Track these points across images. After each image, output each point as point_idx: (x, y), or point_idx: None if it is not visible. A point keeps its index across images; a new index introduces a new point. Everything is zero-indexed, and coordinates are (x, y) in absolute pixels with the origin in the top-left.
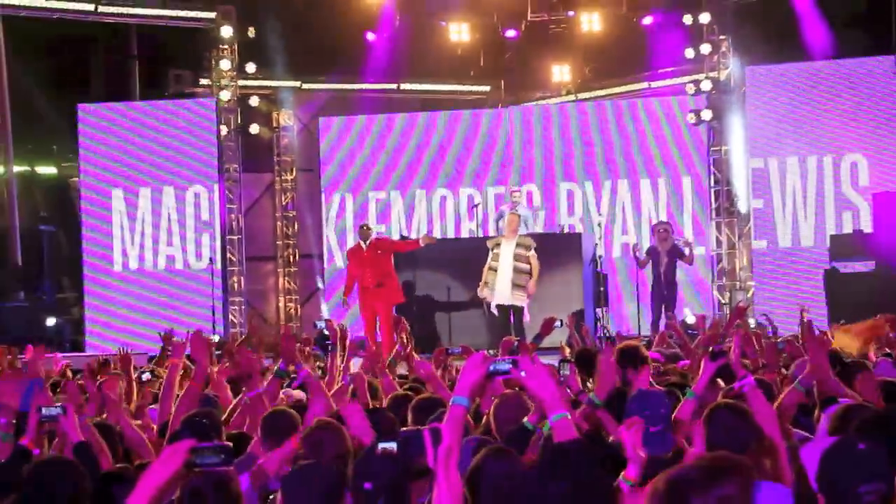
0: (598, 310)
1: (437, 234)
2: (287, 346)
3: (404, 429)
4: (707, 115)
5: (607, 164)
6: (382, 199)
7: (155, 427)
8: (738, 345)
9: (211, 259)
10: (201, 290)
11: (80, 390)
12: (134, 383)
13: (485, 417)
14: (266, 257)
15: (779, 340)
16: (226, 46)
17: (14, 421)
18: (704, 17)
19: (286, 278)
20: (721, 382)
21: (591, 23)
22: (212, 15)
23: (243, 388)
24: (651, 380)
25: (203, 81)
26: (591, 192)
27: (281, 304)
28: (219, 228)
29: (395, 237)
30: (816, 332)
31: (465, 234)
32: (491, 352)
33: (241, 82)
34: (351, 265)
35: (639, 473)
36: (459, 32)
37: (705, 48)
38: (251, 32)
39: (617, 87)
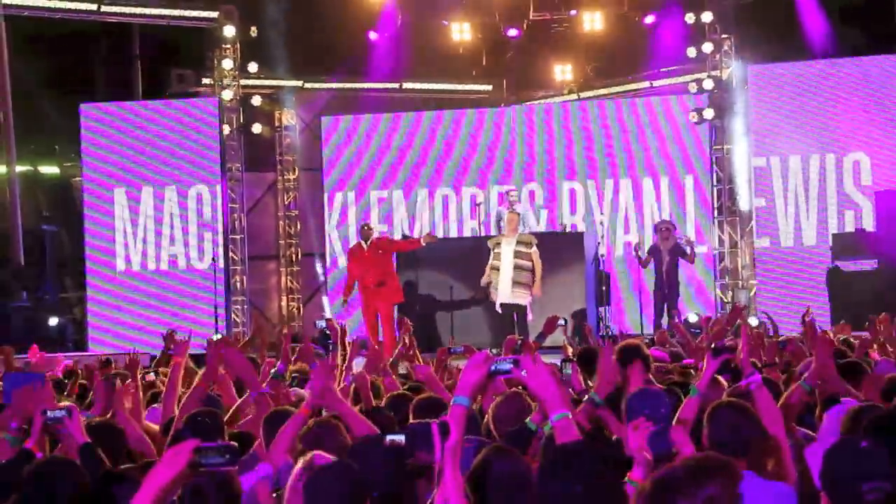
0: (601, 309)
1: (439, 233)
2: (283, 348)
3: (412, 421)
4: (709, 113)
5: (609, 163)
6: (385, 198)
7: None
8: (745, 342)
9: (213, 258)
10: (204, 290)
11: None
12: (140, 387)
13: (485, 417)
14: (268, 256)
15: (780, 340)
16: (228, 46)
17: (25, 426)
18: (706, 16)
19: (288, 277)
20: (723, 380)
21: (592, 22)
22: (214, 14)
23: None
24: (651, 378)
25: (205, 81)
26: (594, 191)
27: (283, 304)
28: (221, 228)
29: (398, 236)
30: (818, 332)
31: (467, 234)
32: (494, 351)
33: (244, 82)
34: (351, 264)
35: (645, 475)
36: (461, 32)
37: (707, 47)
38: (253, 32)
39: (619, 86)
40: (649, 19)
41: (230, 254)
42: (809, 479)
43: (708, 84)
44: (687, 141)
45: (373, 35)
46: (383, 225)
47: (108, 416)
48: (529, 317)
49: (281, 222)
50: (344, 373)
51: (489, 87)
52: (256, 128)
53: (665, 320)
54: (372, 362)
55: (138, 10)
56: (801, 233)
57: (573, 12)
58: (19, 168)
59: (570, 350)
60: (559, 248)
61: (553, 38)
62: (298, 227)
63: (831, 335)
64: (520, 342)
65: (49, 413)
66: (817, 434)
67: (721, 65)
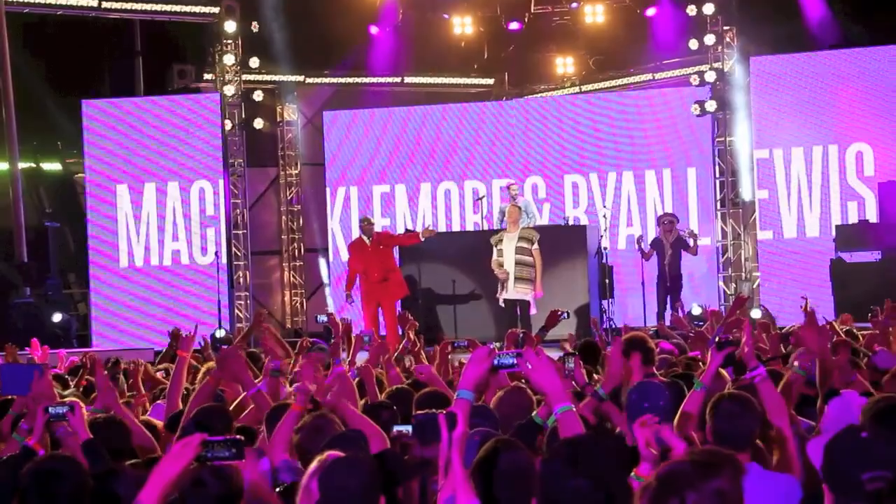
0: (604, 302)
1: (441, 227)
2: (268, 346)
3: (419, 412)
4: (711, 106)
5: (612, 156)
6: (387, 192)
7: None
8: (748, 335)
9: (216, 254)
10: (207, 285)
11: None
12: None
13: None
14: (271, 251)
15: (783, 331)
16: (229, 41)
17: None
18: (708, 8)
19: (291, 272)
20: (726, 374)
21: (594, 14)
22: (215, 10)
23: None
24: (654, 370)
25: (207, 76)
26: (597, 183)
27: (286, 299)
28: (224, 223)
29: (400, 230)
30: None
31: (469, 228)
32: (497, 344)
33: (245, 77)
34: (353, 259)
35: (650, 470)
36: (463, 25)
37: (709, 39)
38: (255, 27)
39: (621, 78)
40: (651, 11)
41: (233, 249)
42: (813, 471)
43: (710, 76)
44: (689, 133)
45: (374, 29)
46: (386, 219)
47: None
48: (532, 311)
49: (283, 217)
50: (348, 367)
51: (491, 81)
52: (258, 123)
53: (668, 313)
54: (375, 356)
55: (140, 6)
56: (804, 224)
57: (574, 5)
58: (22, 165)
59: (567, 346)
60: (562, 241)
61: (554, 31)
62: (301, 221)
63: (836, 326)
64: (521, 336)
65: (52, 409)
66: (819, 425)
67: (723, 56)
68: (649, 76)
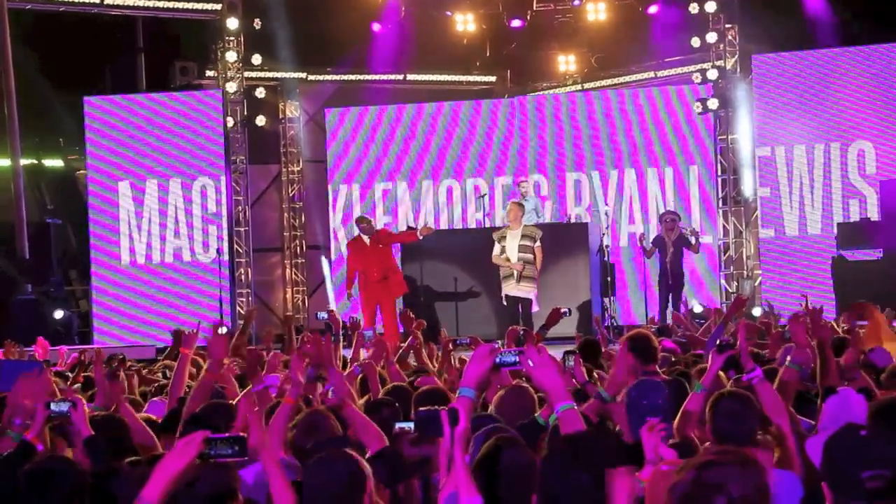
0: (605, 299)
1: (443, 224)
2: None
3: (422, 409)
4: (713, 103)
5: (614, 154)
6: (389, 189)
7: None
8: (743, 337)
9: (218, 251)
10: (208, 282)
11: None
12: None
13: (489, 409)
14: (273, 248)
15: (785, 329)
16: (232, 38)
17: (28, 422)
18: (710, 6)
19: (293, 270)
20: (723, 376)
21: (596, 12)
22: (218, 7)
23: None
24: (657, 368)
25: (209, 73)
26: (598, 181)
27: (288, 296)
28: (226, 220)
29: (403, 228)
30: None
31: (471, 225)
32: (499, 342)
33: (248, 74)
34: (353, 258)
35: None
36: (465, 23)
37: (711, 37)
38: (257, 24)
39: (623, 76)
40: (653, 9)
41: (235, 246)
42: (812, 469)
43: (712, 74)
44: (691, 131)
45: (376, 27)
46: (388, 216)
47: (112, 409)
48: (534, 308)
49: (285, 214)
50: (350, 364)
51: (493, 79)
52: (260, 120)
53: (670, 311)
54: (378, 353)
55: (142, 3)
56: (806, 222)
57: (576, 3)
58: (24, 161)
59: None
60: (563, 239)
61: (556, 29)
62: (303, 219)
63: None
64: (522, 333)
65: (53, 406)
66: (818, 424)
67: (725, 54)
68: (651, 74)
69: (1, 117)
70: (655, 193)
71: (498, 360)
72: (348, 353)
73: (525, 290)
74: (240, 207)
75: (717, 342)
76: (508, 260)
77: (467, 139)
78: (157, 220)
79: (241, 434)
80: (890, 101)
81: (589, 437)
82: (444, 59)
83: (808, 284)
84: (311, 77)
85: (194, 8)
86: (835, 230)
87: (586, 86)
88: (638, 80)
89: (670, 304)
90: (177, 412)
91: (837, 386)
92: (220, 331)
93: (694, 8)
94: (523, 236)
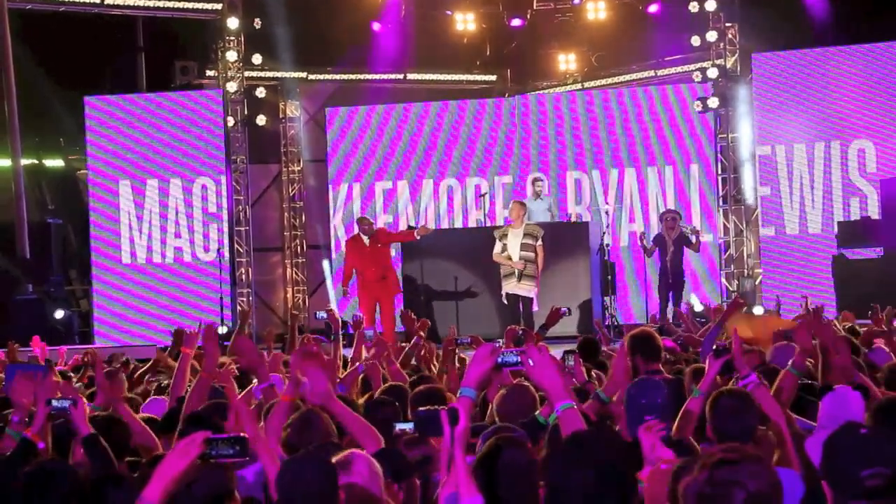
0: (606, 298)
1: (444, 224)
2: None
3: (421, 409)
4: (714, 102)
5: (614, 153)
6: (389, 189)
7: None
8: (738, 342)
9: (218, 250)
10: (209, 281)
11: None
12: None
13: (489, 408)
14: (273, 248)
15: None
16: (232, 38)
17: (27, 419)
18: (710, 5)
19: (294, 269)
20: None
21: (596, 11)
22: (218, 6)
23: (254, 381)
24: (660, 367)
25: (209, 73)
26: (599, 180)
27: (289, 295)
28: (226, 220)
29: (403, 227)
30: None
31: (472, 224)
32: (500, 341)
33: (248, 73)
34: (351, 256)
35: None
36: (465, 22)
37: (711, 35)
38: (257, 23)
39: (623, 75)
40: (653, 8)
41: (235, 246)
42: (811, 469)
43: (712, 73)
44: (691, 130)
45: (376, 26)
46: (388, 215)
47: (111, 409)
48: (535, 307)
49: (286, 214)
50: (351, 363)
51: (493, 78)
52: (261, 119)
53: (671, 310)
54: (379, 353)
55: (142, 2)
56: (807, 221)
57: (577, 1)
58: (24, 161)
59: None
60: (564, 238)
61: (557, 28)
62: (303, 218)
63: (837, 324)
64: (521, 332)
65: (54, 403)
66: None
67: (725, 53)
68: (651, 73)
69: (1, 117)
70: (656, 192)
71: (500, 360)
72: (349, 353)
73: (525, 289)
74: (240, 207)
75: (714, 347)
76: (510, 258)
77: (468, 138)
78: (158, 220)
79: (242, 434)
80: (890, 99)
81: (595, 434)
82: (445, 59)
83: (808, 283)
84: (312, 76)
85: (195, 7)
86: (835, 229)
87: (586, 85)
88: (638, 78)
89: (671, 303)
90: (177, 412)
91: (837, 384)
92: (219, 330)
93: (694, 7)
94: (525, 235)
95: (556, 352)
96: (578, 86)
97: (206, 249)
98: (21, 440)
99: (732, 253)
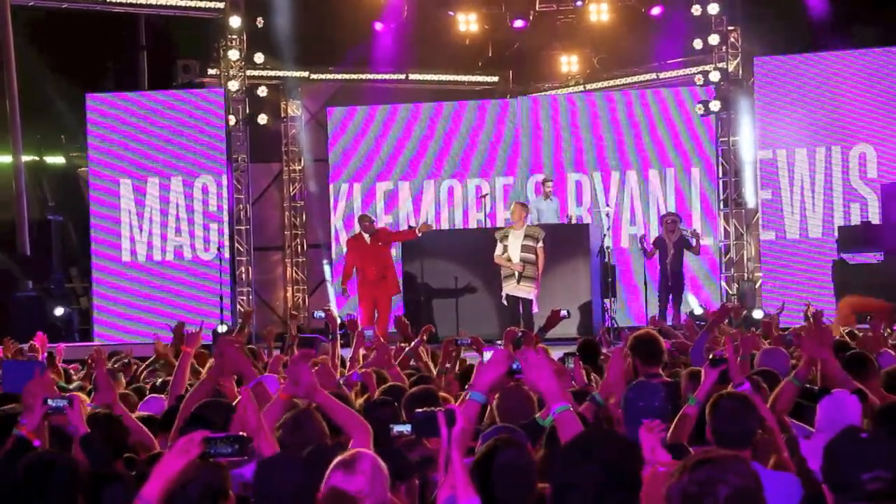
0: (606, 301)
1: (444, 224)
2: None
3: (419, 410)
4: (715, 105)
5: (616, 155)
6: (390, 189)
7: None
8: (731, 350)
9: (219, 249)
10: (209, 281)
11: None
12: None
13: (488, 410)
14: (274, 247)
15: (787, 333)
16: (234, 36)
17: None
18: (713, 8)
19: (294, 268)
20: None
21: (599, 13)
22: (220, 5)
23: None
24: (659, 371)
25: (211, 72)
26: (600, 182)
27: (289, 294)
28: (227, 218)
29: (403, 227)
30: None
31: (472, 225)
32: (499, 342)
33: (250, 72)
34: (352, 255)
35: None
36: (467, 23)
37: (714, 39)
38: (259, 22)
39: (625, 77)
40: (655, 11)
41: (235, 245)
42: (807, 473)
43: (714, 76)
44: (692, 133)
45: (379, 26)
46: (389, 216)
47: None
48: (535, 309)
49: (286, 213)
50: (350, 364)
51: (495, 79)
52: (262, 118)
53: (670, 312)
54: (381, 355)
55: (144, 1)
56: (807, 225)
57: (579, 3)
58: (25, 158)
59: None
60: (564, 240)
61: (559, 30)
62: (304, 217)
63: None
64: (520, 334)
65: (51, 402)
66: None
67: (727, 57)
68: (653, 75)
69: (2, 114)
70: (656, 195)
71: (515, 366)
72: (347, 353)
73: (525, 291)
74: (241, 206)
75: (711, 356)
76: (510, 260)
77: (469, 139)
78: (159, 218)
79: (241, 433)
80: (892, 104)
81: (601, 432)
82: (447, 59)
83: (808, 288)
84: (314, 76)
85: (197, 6)
86: (836, 233)
87: (588, 87)
88: (640, 81)
89: (670, 305)
90: (176, 410)
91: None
92: (219, 329)
93: (696, 10)
94: (526, 237)
95: (557, 354)
96: (580, 88)
97: (207, 248)
98: (17, 438)
99: (732, 256)
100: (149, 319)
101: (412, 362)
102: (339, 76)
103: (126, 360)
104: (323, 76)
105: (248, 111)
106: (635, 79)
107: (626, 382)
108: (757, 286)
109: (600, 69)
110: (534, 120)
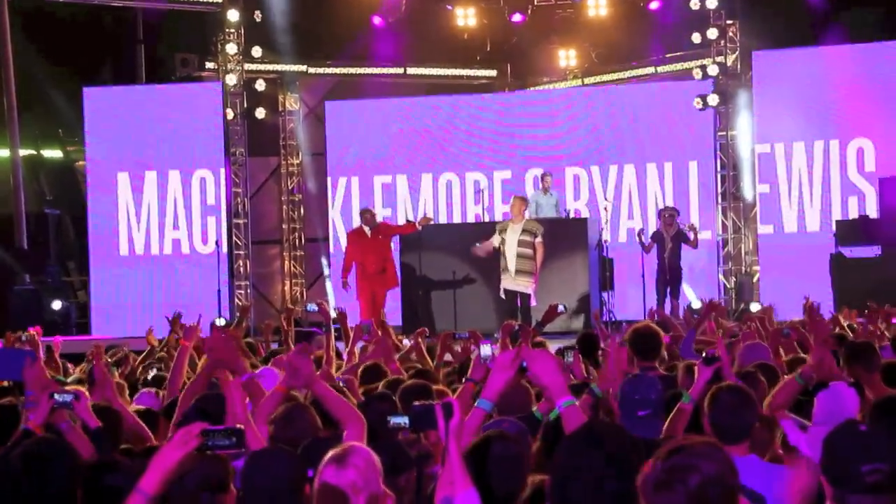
0: (604, 294)
1: (443, 218)
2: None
3: (416, 403)
4: (713, 99)
5: (613, 149)
6: (388, 183)
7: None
8: (724, 348)
9: (217, 243)
10: (207, 274)
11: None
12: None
13: None
14: (272, 241)
15: (784, 327)
16: (232, 30)
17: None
18: (711, 2)
19: (292, 262)
20: None
21: (597, 7)
22: None
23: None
24: (656, 365)
25: (209, 65)
26: (598, 176)
27: (287, 288)
28: (225, 212)
29: (402, 221)
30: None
31: (471, 219)
32: (496, 336)
33: (248, 66)
34: (352, 248)
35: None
36: (466, 17)
37: (712, 33)
38: (257, 16)
39: (623, 71)
40: (654, 5)
41: (233, 238)
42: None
43: (712, 70)
44: (691, 127)
45: (377, 20)
46: (387, 209)
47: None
48: (533, 303)
49: (284, 207)
50: (347, 357)
51: (493, 73)
52: (260, 112)
53: (668, 306)
54: (380, 348)
55: None
56: (805, 219)
57: None
58: (23, 152)
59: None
60: (562, 234)
61: (557, 24)
62: (302, 211)
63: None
64: (517, 328)
65: (57, 396)
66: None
67: (726, 51)
68: (651, 69)
69: (0, 108)
70: (654, 189)
71: (524, 363)
72: (340, 346)
73: (522, 285)
74: (239, 200)
75: (704, 355)
76: (498, 250)
77: (467, 133)
78: (156, 212)
79: (239, 426)
80: (889, 98)
81: (612, 427)
82: (445, 53)
83: (806, 281)
84: (312, 70)
85: (195, 0)
86: (833, 227)
87: (587, 81)
88: (638, 75)
89: (668, 299)
90: (175, 403)
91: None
92: (217, 322)
93: (695, 4)
94: (524, 231)
95: (558, 347)
96: (579, 82)
97: (205, 242)
98: (23, 431)
99: (730, 250)
100: (146, 313)
101: (412, 355)
102: (337, 70)
103: (122, 354)
104: (321, 70)
105: (245, 105)
106: (634, 73)
107: (622, 375)
108: (754, 280)
109: (598, 63)
110: (532, 114)
